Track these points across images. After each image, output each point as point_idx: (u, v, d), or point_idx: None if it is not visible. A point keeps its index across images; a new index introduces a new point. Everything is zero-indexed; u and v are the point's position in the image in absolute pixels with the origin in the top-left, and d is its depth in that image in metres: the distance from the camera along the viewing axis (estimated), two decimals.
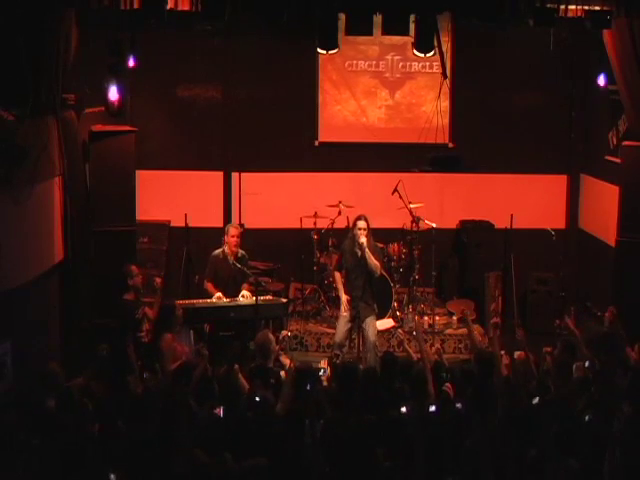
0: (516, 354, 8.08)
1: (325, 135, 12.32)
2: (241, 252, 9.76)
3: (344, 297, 9.62)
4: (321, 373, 7.59)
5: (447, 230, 11.96)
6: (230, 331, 9.53)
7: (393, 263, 11.21)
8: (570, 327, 8.55)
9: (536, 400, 7.06)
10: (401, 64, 12.26)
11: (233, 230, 9.70)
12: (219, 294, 9.53)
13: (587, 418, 6.33)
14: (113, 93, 9.76)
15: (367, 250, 9.38)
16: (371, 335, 9.51)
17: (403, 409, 6.52)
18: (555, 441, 5.88)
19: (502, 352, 8.16)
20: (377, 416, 6.34)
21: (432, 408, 6.54)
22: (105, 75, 9.76)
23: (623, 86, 9.54)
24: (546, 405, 6.49)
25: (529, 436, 6.11)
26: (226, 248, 9.67)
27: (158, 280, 9.87)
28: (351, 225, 9.79)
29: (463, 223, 12.29)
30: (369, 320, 9.58)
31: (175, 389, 6.93)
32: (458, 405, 6.61)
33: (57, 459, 5.73)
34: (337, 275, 9.79)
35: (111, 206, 9.60)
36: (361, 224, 9.42)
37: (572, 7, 8.54)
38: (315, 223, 11.39)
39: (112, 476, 5.41)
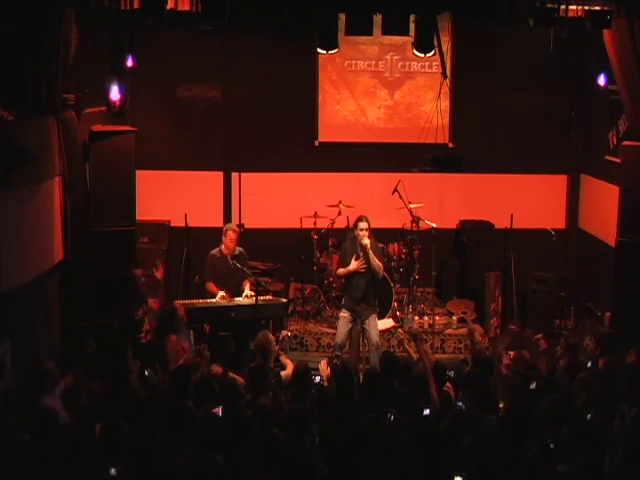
0: (524, 353, 8.10)
1: (325, 135, 12.32)
2: (239, 249, 9.76)
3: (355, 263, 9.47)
4: (317, 380, 7.57)
5: (447, 230, 11.96)
6: (230, 331, 9.54)
7: (393, 263, 11.21)
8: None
9: (533, 385, 7.07)
10: (400, 64, 12.26)
11: (231, 233, 9.69)
12: (222, 293, 9.52)
13: (589, 417, 6.33)
14: (115, 93, 9.76)
15: (370, 251, 9.36)
16: (374, 336, 9.48)
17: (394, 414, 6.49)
18: (557, 439, 5.90)
19: (503, 352, 8.18)
20: (376, 417, 6.35)
21: (426, 411, 6.53)
22: (107, 75, 9.75)
23: (623, 86, 9.53)
24: (549, 403, 6.48)
25: (530, 434, 6.12)
26: (223, 247, 9.67)
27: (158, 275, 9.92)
28: (352, 226, 9.77)
29: (463, 223, 12.28)
30: (371, 320, 9.55)
31: (174, 389, 6.94)
32: (460, 404, 6.60)
33: (56, 459, 5.73)
34: (342, 269, 9.71)
35: (111, 206, 9.58)
36: (363, 225, 9.39)
37: (572, 7, 8.54)
38: (315, 223, 11.38)
39: (112, 470, 5.40)
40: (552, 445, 5.88)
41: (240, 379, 7.55)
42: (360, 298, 9.54)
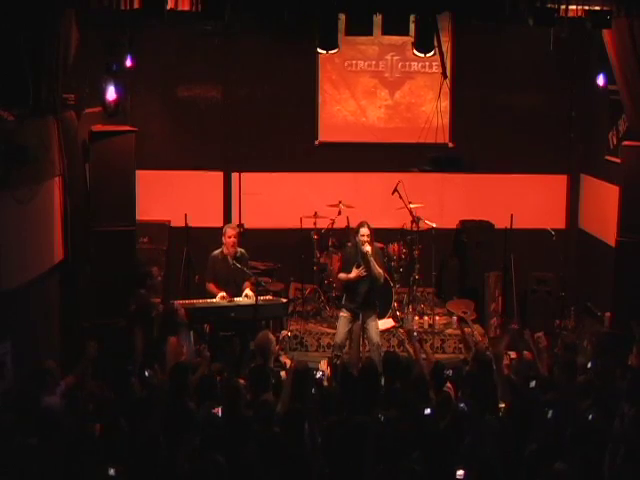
0: (525, 354, 8.10)
1: (325, 135, 12.31)
2: (240, 251, 9.75)
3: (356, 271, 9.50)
4: (319, 376, 7.58)
5: (447, 230, 11.96)
6: (230, 331, 9.54)
7: (393, 263, 11.21)
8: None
9: (532, 384, 7.08)
10: (400, 64, 12.26)
11: (230, 231, 9.71)
12: (222, 293, 9.52)
13: (590, 417, 6.33)
14: (111, 93, 9.78)
15: (371, 259, 9.33)
16: (374, 336, 9.48)
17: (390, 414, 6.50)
18: (558, 439, 5.90)
19: (503, 352, 8.18)
20: (376, 417, 6.35)
21: (427, 411, 6.53)
22: (102, 75, 9.76)
23: (623, 86, 9.53)
24: (548, 402, 6.49)
25: (530, 434, 6.12)
26: (224, 249, 9.67)
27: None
28: (353, 232, 9.70)
29: (463, 223, 12.28)
30: (371, 321, 9.54)
31: (172, 387, 6.95)
32: (461, 405, 6.60)
33: (56, 459, 5.73)
34: (343, 274, 9.72)
35: (111, 206, 9.58)
36: (364, 231, 9.35)
37: (572, 7, 8.54)
38: (315, 223, 11.38)
39: (112, 471, 5.39)
40: (551, 444, 5.88)
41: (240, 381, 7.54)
42: (360, 303, 9.53)
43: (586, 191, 12.25)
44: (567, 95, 11.99)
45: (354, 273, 9.44)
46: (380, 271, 9.46)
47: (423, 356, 8.17)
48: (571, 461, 5.65)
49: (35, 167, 7.94)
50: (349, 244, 9.77)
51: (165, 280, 11.44)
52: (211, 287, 9.67)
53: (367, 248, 9.30)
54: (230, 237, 9.64)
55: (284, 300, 10.30)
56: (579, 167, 12.32)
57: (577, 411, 6.55)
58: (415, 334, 10.02)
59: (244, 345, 9.15)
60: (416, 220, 11.18)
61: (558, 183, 12.43)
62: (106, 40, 9.53)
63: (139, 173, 10.21)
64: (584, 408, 6.63)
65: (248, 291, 9.59)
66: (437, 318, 11.10)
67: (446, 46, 10.79)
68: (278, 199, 12.12)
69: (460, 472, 5.51)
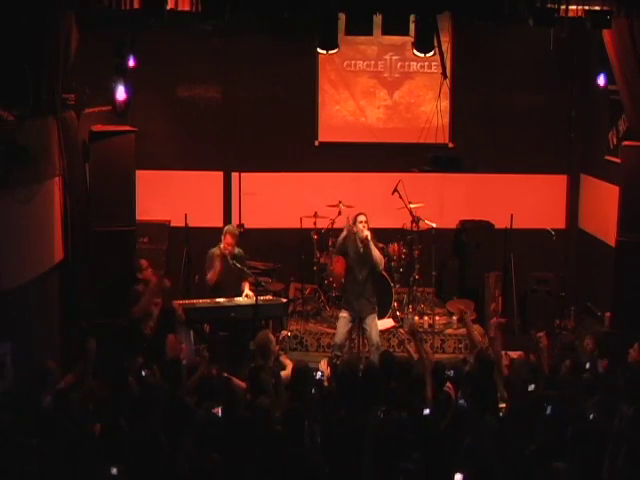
0: (529, 356, 8.10)
1: (325, 135, 12.31)
2: (238, 250, 9.75)
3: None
4: (318, 376, 7.58)
5: (447, 230, 11.97)
6: (230, 331, 9.54)
7: (393, 263, 11.21)
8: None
9: (532, 387, 7.09)
10: (399, 64, 12.25)
11: (229, 238, 9.57)
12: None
13: (591, 417, 6.33)
14: (121, 93, 9.81)
15: (371, 243, 9.42)
16: (374, 335, 9.54)
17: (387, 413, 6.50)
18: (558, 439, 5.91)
19: (503, 352, 8.18)
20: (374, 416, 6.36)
21: (426, 411, 6.54)
22: (111, 75, 9.80)
23: (623, 86, 9.53)
24: (549, 402, 6.50)
25: (531, 434, 6.13)
26: (222, 247, 9.65)
27: (167, 281, 9.87)
28: (350, 222, 9.79)
29: (463, 223, 12.28)
30: (371, 320, 9.58)
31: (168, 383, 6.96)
32: (461, 401, 6.60)
33: (56, 459, 5.73)
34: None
35: (111, 206, 9.58)
36: (362, 218, 9.54)
37: (572, 7, 8.56)
38: (315, 223, 11.39)
39: (114, 470, 5.40)
40: (551, 444, 5.89)
41: (239, 382, 7.54)
42: (360, 292, 9.58)
43: (586, 191, 12.25)
44: (567, 95, 11.98)
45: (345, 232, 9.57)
46: (380, 256, 9.62)
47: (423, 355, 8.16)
48: (571, 461, 5.65)
49: (35, 167, 7.94)
50: (348, 235, 9.77)
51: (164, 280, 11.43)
52: (212, 274, 9.59)
53: (366, 233, 9.44)
54: (229, 244, 9.54)
55: (284, 300, 10.31)
56: (579, 167, 12.32)
57: (580, 410, 6.55)
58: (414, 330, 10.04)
59: (244, 345, 9.15)
60: (416, 220, 11.19)
61: (558, 183, 12.43)
62: (115, 40, 9.56)
63: (139, 173, 10.21)
64: (588, 407, 6.63)
65: (248, 291, 9.59)
66: (437, 318, 11.10)
67: (446, 46, 10.82)
68: (278, 199, 12.13)
69: (458, 476, 5.51)
